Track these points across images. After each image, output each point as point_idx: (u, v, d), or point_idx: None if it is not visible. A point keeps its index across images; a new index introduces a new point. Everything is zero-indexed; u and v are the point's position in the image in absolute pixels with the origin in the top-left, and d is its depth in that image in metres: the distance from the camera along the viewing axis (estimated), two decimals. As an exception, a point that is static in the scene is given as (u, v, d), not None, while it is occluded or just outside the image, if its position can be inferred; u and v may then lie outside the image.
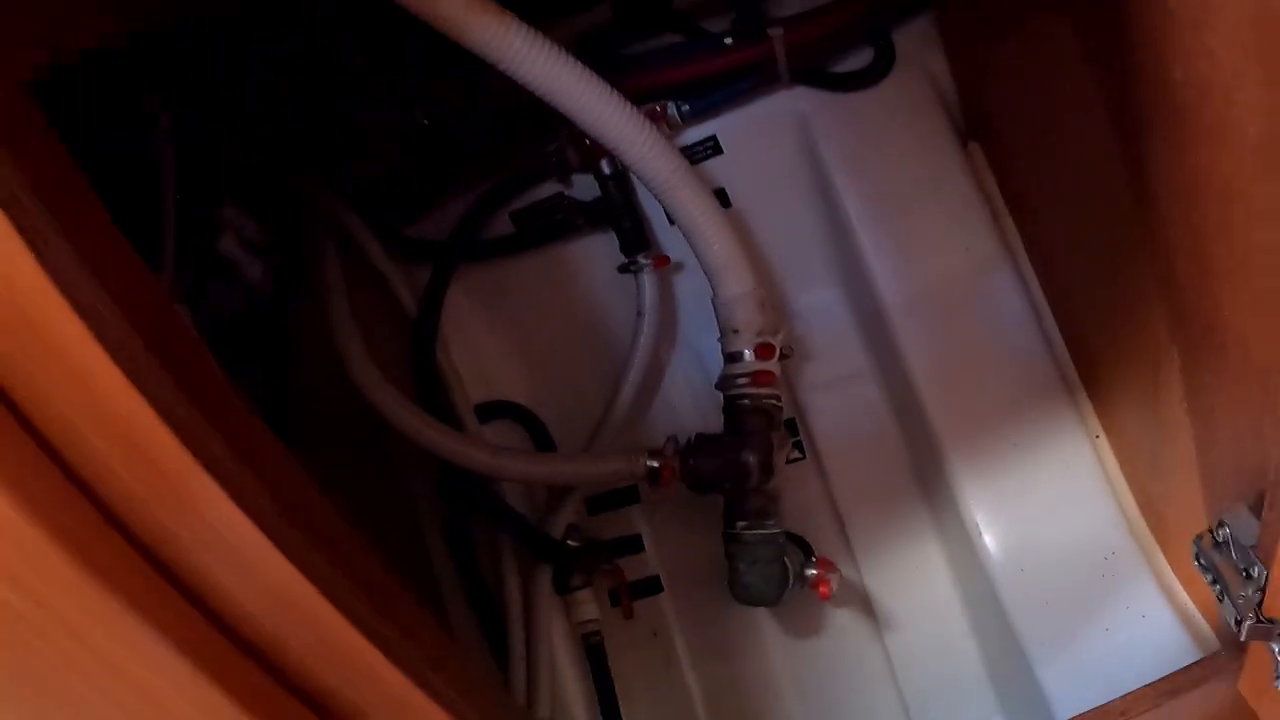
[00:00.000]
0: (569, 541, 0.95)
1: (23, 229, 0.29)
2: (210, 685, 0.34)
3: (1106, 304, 0.80)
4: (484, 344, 0.99)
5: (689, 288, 0.97)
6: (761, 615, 0.97)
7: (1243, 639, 0.57)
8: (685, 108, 0.90)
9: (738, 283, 0.85)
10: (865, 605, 0.97)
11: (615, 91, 0.77)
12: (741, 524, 0.87)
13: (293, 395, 0.94)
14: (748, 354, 0.86)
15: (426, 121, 0.90)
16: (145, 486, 0.33)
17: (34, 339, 0.30)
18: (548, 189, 0.96)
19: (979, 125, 0.91)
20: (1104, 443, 0.86)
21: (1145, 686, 0.71)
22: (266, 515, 0.35)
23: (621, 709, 0.94)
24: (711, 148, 0.93)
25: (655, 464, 0.88)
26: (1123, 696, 0.71)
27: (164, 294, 0.62)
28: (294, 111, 0.91)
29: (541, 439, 1.00)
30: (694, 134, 0.93)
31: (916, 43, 0.91)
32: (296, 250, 0.95)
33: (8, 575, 0.30)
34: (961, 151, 0.90)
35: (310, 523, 0.39)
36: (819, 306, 0.96)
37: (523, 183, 0.96)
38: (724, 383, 0.87)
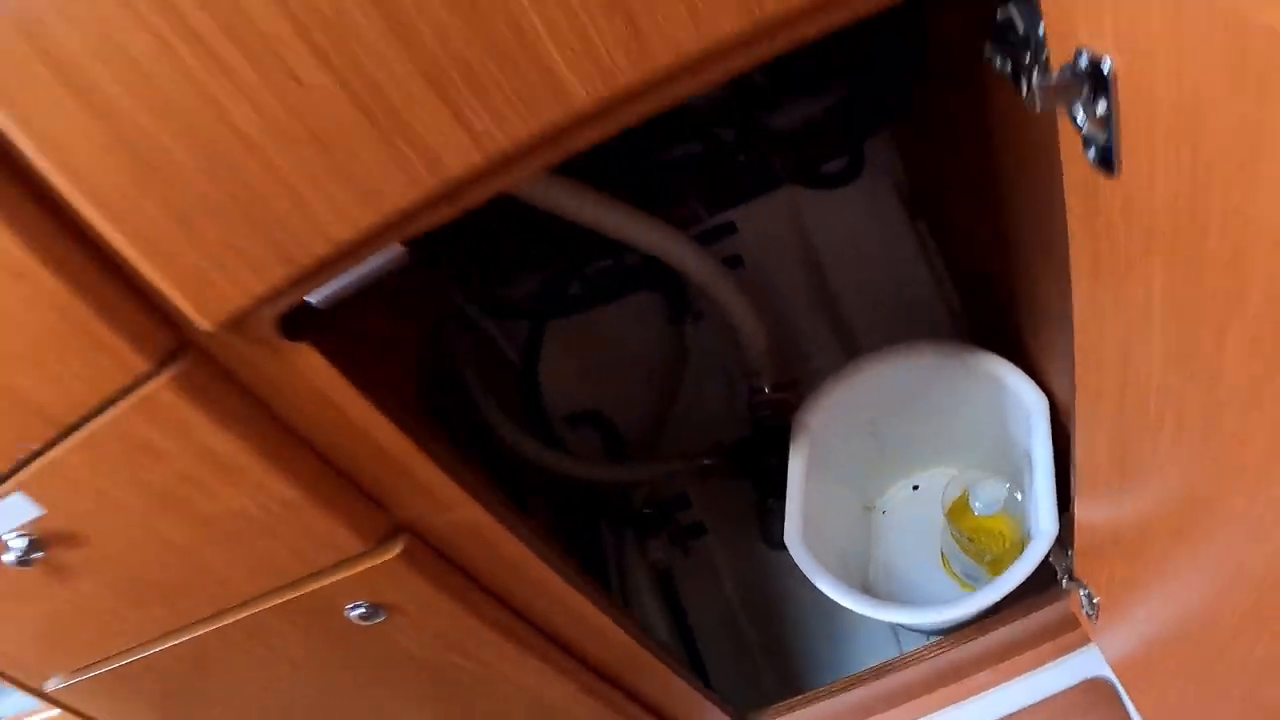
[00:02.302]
0: (645, 510, 1.35)
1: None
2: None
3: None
4: (569, 373, 1.34)
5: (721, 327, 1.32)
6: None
7: (1065, 587, 0.99)
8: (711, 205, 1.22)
9: (759, 342, 1.20)
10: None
11: (671, 228, 1.09)
12: (771, 500, 1.27)
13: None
14: (767, 389, 1.23)
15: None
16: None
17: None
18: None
19: (923, 207, 1.24)
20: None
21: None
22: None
23: (689, 619, 1.38)
24: (728, 229, 1.26)
25: (709, 462, 1.28)
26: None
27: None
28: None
29: (613, 436, 1.37)
30: (715, 219, 1.25)
31: (880, 149, 1.22)
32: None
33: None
34: (911, 226, 1.25)
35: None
36: (818, 340, 1.32)
37: (590, 256, 1.28)
38: (752, 409, 1.25)
